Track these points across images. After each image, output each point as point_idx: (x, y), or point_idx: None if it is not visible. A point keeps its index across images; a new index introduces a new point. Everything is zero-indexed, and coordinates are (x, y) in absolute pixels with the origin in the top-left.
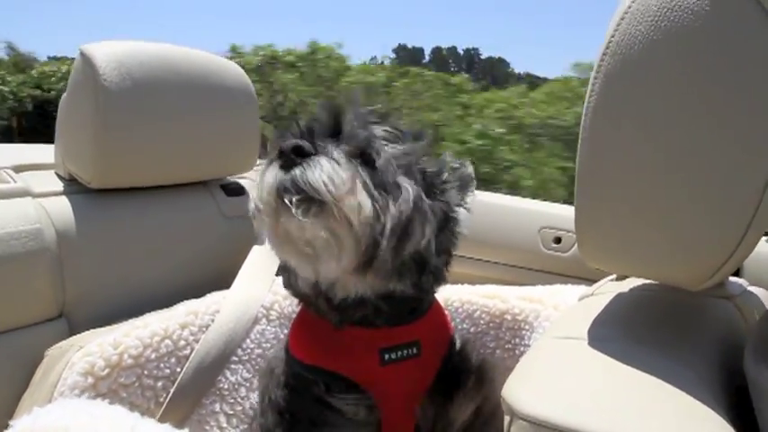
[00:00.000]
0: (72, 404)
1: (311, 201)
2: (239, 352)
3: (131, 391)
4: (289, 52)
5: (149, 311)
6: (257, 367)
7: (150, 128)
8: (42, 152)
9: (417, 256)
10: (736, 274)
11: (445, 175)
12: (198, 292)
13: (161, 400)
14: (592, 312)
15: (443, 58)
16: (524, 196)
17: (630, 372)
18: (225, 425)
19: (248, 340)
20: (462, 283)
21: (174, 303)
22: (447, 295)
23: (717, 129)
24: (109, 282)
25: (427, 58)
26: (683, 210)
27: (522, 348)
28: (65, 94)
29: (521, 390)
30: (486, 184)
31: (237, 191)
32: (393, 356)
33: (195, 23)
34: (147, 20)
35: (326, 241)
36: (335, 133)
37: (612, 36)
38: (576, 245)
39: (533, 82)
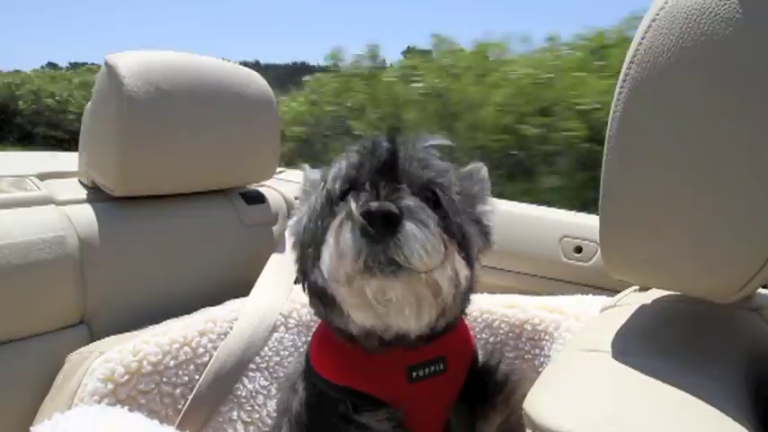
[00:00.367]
0: (92, 411)
1: (399, 266)
2: (257, 359)
3: (150, 397)
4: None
5: (169, 318)
6: (275, 375)
7: (173, 137)
8: (66, 160)
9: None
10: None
11: (476, 189)
12: (217, 300)
13: (179, 407)
14: (615, 324)
15: None
16: None
17: (655, 386)
18: None
19: (266, 348)
20: (482, 293)
21: (194, 310)
22: None
23: (747, 140)
24: (130, 289)
25: None
26: (713, 222)
27: (541, 359)
28: (89, 104)
29: (542, 402)
30: None
31: (257, 199)
32: (420, 374)
33: (219, 32)
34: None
35: (411, 303)
36: (392, 169)
37: (640, 44)
38: (596, 254)
39: None
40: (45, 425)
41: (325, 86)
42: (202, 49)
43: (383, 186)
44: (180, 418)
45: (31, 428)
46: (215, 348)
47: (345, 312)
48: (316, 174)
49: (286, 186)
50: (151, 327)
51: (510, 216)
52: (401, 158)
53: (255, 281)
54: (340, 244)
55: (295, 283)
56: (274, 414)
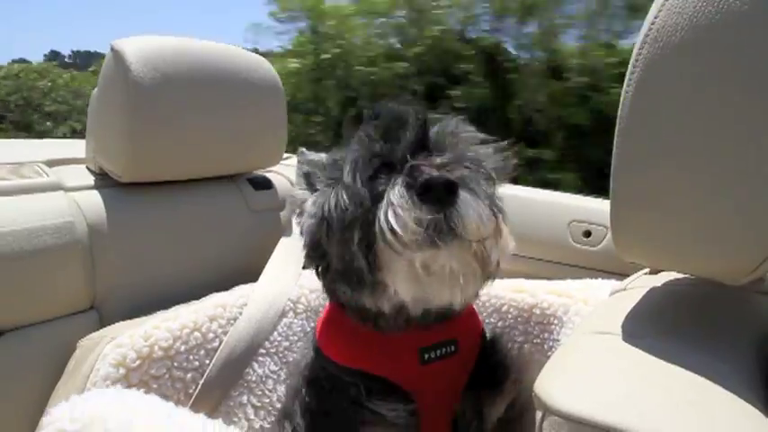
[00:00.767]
0: (108, 393)
1: (455, 235)
2: (267, 344)
3: (162, 382)
4: None
5: (178, 304)
6: (285, 360)
7: (180, 122)
8: (74, 147)
9: None
10: None
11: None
12: (226, 285)
13: (190, 391)
14: (625, 307)
15: None
16: None
17: (665, 367)
18: (252, 416)
19: (276, 333)
20: None
21: (202, 296)
22: None
23: (761, 119)
24: (139, 274)
25: None
26: (726, 202)
27: (550, 343)
28: (96, 90)
29: (554, 385)
30: None
31: (265, 185)
32: (432, 356)
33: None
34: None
35: (463, 274)
36: (425, 142)
37: (653, 23)
38: (605, 238)
39: None
40: (63, 406)
41: None
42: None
43: (432, 158)
44: (191, 402)
45: (48, 410)
46: (225, 333)
47: (388, 288)
48: (315, 156)
49: (293, 172)
50: (161, 312)
51: (517, 200)
52: (435, 132)
53: (263, 266)
54: (404, 215)
55: (304, 268)
56: (284, 399)
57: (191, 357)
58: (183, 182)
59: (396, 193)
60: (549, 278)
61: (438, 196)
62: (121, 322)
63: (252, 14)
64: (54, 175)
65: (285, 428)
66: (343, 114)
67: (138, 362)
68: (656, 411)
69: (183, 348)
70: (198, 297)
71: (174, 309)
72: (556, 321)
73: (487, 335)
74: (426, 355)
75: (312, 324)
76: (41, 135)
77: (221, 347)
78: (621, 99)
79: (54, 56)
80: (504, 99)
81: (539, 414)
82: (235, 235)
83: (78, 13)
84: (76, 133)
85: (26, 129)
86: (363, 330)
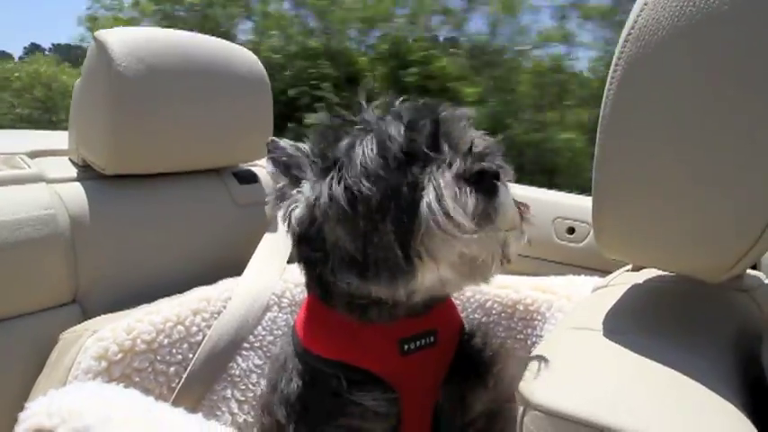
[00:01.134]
0: (87, 387)
1: (490, 222)
2: (251, 338)
3: (144, 375)
4: None
5: (162, 297)
6: (269, 354)
7: (164, 114)
8: (57, 138)
9: None
10: (754, 267)
11: None
12: (210, 279)
13: (173, 385)
14: (606, 303)
15: None
16: None
17: (645, 363)
18: (236, 410)
19: (260, 327)
20: None
21: (186, 290)
22: None
23: (740, 118)
24: (122, 268)
25: None
26: (704, 200)
27: (533, 339)
28: (78, 81)
29: (535, 380)
30: None
31: (250, 179)
32: (412, 346)
33: None
34: None
35: (494, 260)
36: (437, 140)
37: (635, 22)
38: (589, 235)
39: None
40: (40, 401)
41: None
42: None
43: (474, 147)
44: (174, 396)
45: (27, 404)
46: (208, 327)
47: (419, 275)
48: (288, 144)
49: None
50: (144, 305)
51: None
52: (447, 124)
53: (248, 261)
54: (461, 201)
55: (289, 262)
56: (264, 393)
57: (174, 351)
58: (167, 175)
59: (448, 180)
60: (532, 274)
61: (487, 185)
62: (104, 315)
63: None
64: (36, 167)
65: (264, 423)
66: None
67: (120, 355)
68: (637, 406)
69: (166, 342)
70: (181, 291)
71: (157, 302)
72: (539, 317)
73: (467, 328)
74: (406, 346)
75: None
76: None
77: (205, 341)
78: (604, 96)
79: (35, 48)
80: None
81: (520, 409)
82: (219, 229)
83: (56, 7)
84: None
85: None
86: (344, 323)
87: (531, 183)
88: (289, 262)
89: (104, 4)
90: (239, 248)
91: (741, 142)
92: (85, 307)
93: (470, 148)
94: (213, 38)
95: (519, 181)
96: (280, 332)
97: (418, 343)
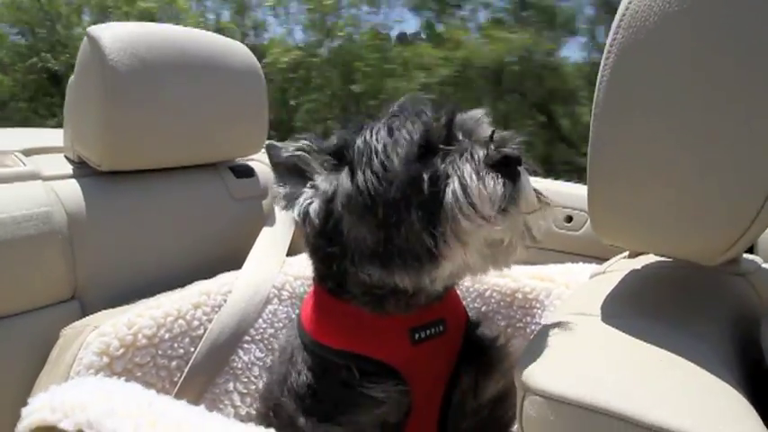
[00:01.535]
0: (89, 382)
1: (515, 206)
2: (252, 332)
3: (146, 370)
4: None
5: (160, 292)
6: (270, 347)
7: (158, 110)
8: (52, 135)
9: None
10: (750, 251)
11: None
12: (208, 274)
13: (175, 379)
14: (604, 289)
15: None
16: None
17: (644, 346)
18: (239, 403)
19: (261, 320)
20: None
21: (186, 284)
22: None
23: (733, 102)
24: (120, 263)
25: None
26: (698, 183)
27: (533, 327)
28: (72, 77)
29: (533, 365)
30: None
31: (246, 173)
32: (423, 335)
33: None
34: None
35: (516, 246)
36: (453, 132)
37: (626, 9)
38: (587, 223)
39: None
40: (43, 396)
41: None
42: None
43: (489, 137)
44: (176, 390)
45: (29, 400)
46: (209, 321)
47: (445, 263)
48: (296, 145)
49: None
50: (144, 300)
51: None
52: (464, 119)
53: (246, 255)
54: (489, 187)
55: (287, 255)
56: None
57: (175, 345)
58: (164, 170)
59: (473, 167)
60: (530, 263)
61: (511, 171)
62: (104, 311)
63: None
64: (31, 164)
65: (270, 416)
66: None
67: (121, 350)
68: (635, 389)
69: (167, 336)
70: (180, 285)
71: (157, 297)
72: (538, 305)
73: (471, 317)
74: (417, 335)
75: (297, 311)
76: None
77: (206, 334)
78: (597, 83)
79: None
80: None
81: (520, 394)
82: (217, 223)
83: None
84: None
85: None
86: (355, 314)
87: None
88: (288, 255)
89: None
90: (237, 242)
91: (734, 127)
92: (85, 303)
93: (491, 137)
94: (208, 32)
95: None
96: (280, 325)
97: (429, 332)
